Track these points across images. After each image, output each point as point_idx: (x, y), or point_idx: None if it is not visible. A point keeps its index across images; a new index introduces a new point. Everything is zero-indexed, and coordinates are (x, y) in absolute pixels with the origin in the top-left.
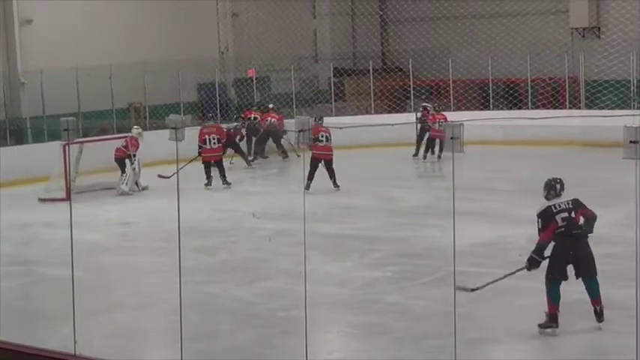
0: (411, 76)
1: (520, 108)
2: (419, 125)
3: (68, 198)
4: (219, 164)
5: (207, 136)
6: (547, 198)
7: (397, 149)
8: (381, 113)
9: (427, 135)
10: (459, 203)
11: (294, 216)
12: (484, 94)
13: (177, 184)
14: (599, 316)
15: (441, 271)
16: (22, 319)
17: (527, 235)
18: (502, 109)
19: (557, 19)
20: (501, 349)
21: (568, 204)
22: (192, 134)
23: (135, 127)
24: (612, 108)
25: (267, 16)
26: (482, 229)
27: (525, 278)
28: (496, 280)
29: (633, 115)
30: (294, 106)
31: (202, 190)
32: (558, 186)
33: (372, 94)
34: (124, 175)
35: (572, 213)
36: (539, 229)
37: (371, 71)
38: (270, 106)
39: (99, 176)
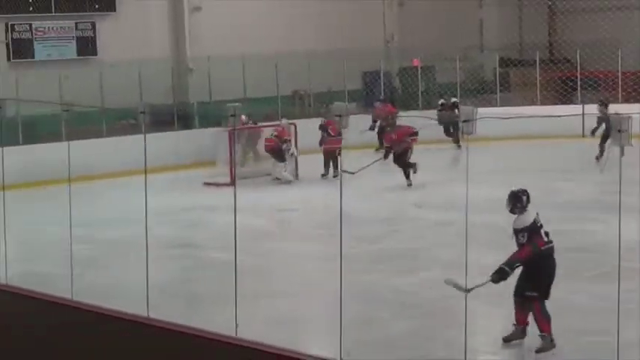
0: (578, 68)
1: None
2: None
3: (233, 183)
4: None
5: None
6: (512, 211)
7: (563, 141)
8: (546, 105)
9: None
10: (626, 198)
11: (456, 206)
12: None
13: (340, 174)
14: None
15: (605, 267)
16: (185, 301)
17: None
18: None
19: None
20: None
21: (539, 218)
22: (354, 121)
23: (284, 118)
24: None
25: (433, 5)
26: None
27: None
28: (481, 285)
29: None
30: (458, 96)
31: (363, 178)
32: (525, 198)
33: (537, 85)
34: (284, 163)
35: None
36: (520, 244)
37: (537, 62)
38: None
39: (262, 163)
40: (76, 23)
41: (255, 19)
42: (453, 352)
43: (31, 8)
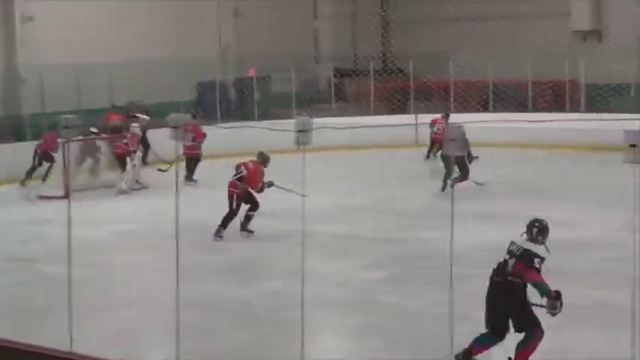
0: (411, 78)
1: (521, 111)
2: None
3: (67, 196)
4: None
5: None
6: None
7: (397, 150)
8: (381, 114)
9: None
10: (460, 205)
11: (295, 215)
12: (485, 97)
13: (177, 182)
14: None
15: (438, 273)
16: (18, 315)
17: None
18: (503, 111)
19: (559, 22)
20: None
21: (518, 250)
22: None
23: (133, 123)
24: (613, 111)
25: (269, 15)
26: (483, 231)
27: None
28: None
29: (633, 119)
30: (293, 106)
31: (201, 187)
32: (535, 229)
33: (372, 95)
34: (125, 173)
35: (512, 260)
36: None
37: (371, 72)
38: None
39: (102, 174)
40: None
41: (88, 28)
42: None
43: None
